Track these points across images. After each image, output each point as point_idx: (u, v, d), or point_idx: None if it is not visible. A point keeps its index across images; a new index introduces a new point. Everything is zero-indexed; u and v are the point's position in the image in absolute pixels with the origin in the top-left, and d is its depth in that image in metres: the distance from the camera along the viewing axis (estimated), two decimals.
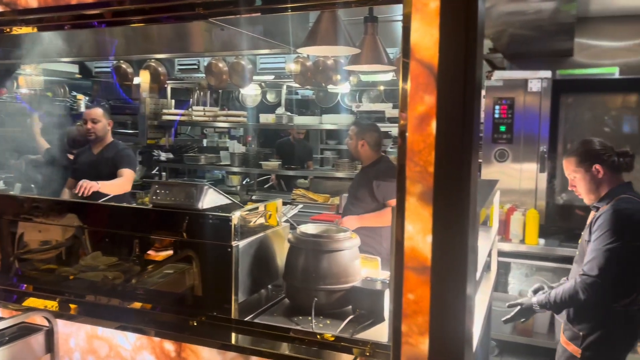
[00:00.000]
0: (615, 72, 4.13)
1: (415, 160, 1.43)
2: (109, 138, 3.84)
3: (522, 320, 2.62)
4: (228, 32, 3.30)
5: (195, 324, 1.83)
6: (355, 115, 5.69)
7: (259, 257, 2.00)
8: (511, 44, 4.37)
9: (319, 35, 2.11)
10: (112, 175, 3.61)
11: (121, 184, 3.59)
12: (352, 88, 6.38)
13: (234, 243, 1.84)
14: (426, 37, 1.37)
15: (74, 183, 3.72)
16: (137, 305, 1.98)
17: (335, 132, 7.45)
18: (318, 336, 1.75)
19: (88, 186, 3.25)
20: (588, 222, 2.50)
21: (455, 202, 1.38)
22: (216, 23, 2.28)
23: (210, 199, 1.97)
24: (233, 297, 1.85)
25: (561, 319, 2.57)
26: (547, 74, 4.18)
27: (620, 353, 2.41)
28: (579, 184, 2.50)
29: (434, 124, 1.39)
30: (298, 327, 1.81)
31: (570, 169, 2.52)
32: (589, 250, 2.34)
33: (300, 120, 5.84)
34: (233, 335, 1.81)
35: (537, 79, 4.12)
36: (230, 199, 2.09)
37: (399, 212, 1.45)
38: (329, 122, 5.67)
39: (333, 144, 8.20)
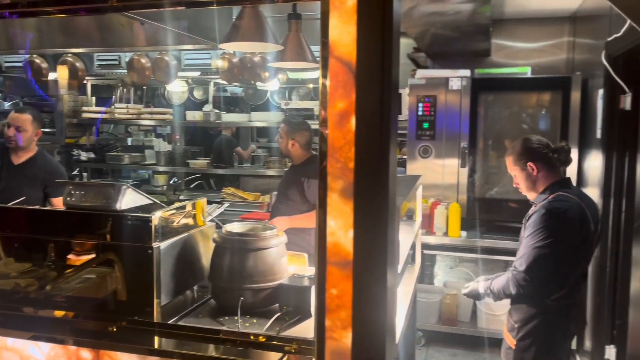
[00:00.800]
0: (527, 72, 4.37)
1: (336, 157, 1.44)
2: (34, 148, 3.40)
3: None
4: (151, 27, 3.19)
5: (114, 329, 1.76)
6: (284, 113, 5.68)
7: (182, 258, 1.95)
8: (433, 43, 4.52)
9: (240, 31, 2.08)
10: (37, 194, 3.28)
11: None
12: (281, 85, 6.38)
13: (154, 244, 1.78)
14: (344, 35, 1.38)
15: None
16: (53, 313, 1.87)
17: (266, 129, 7.41)
18: (250, 336, 1.73)
19: None
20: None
21: (375, 197, 1.41)
22: (133, 17, 2.20)
23: (130, 199, 1.90)
24: (155, 300, 1.80)
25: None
26: (467, 72, 4.37)
27: (555, 346, 2.47)
28: (519, 181, 2.56)
29: (353, 121, 1.41)
30: (223, 328, 1.79)
31: (510, 167, 2.58)
32: (522, 246, 2.42)
33: (228, 117, 5.76)
34: (156, 339, 1.76)
35: (457, 78, 4.29)
36: (151, 199, 2.02)
37: (321, 208, 1.46)
38: (258, 119, 5.63)
39: (264, 142, 8.17)
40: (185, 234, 1.99)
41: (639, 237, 2.35)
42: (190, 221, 2.11)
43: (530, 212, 2.51)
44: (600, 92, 3.49)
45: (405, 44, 4.92)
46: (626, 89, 3.02)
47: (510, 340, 2.51)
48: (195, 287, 2.18)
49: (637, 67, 2.47)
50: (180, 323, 1.86)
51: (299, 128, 3.40)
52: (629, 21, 2.58)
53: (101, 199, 1.85)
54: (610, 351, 3.20)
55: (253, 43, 2.12)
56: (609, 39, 3.17)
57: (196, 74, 5.47)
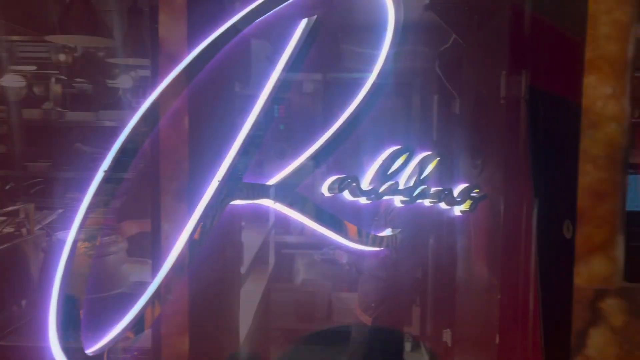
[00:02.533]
0: (375, 77, 4.63)
1: (169, 157, 1.40)
2: None
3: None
4: None
5: None
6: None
7: (2, 271, 1.76)
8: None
9: (68, 23, 1.92)
10: None
11: None
12: (135, 83, 6.04)
13: None
14: (175, 32, 1.34)
15: None
16: None
17: (118, 129, 6.96)
18: (82, 351, 1.61)
19: None
20: (383, 209, 2.82)
21: None
22: None
23: None
24: None
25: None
26: (319, 76, 4.52)
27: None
28: None
29: (186, 120, 1.38)
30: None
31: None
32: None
33: (73, 116, 5.32)
34: None
35: (310, 81, 4.42)
36: None
37: (155, 212, 1.41)
38: (108, 118, 5.27)
39: None
40: (6, 245, 1.80)
41: (461, 229, 2.62)
42: (17, 230, 1.92)
43: (390, 207, 2.78)
44: (436, 97, 3.82)
45: (266, 47, 4.94)
46: (456, 95, 3.34)
47: (366, 319, 2.87)
48: (23, 303, 1.98)
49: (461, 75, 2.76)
50: None
51: None
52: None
53: None
54: (447, 334, 3.51)
55: (82, 37, 1.98)
56: (441, 49, 3.47)
57: (32, 68, 4.97)
